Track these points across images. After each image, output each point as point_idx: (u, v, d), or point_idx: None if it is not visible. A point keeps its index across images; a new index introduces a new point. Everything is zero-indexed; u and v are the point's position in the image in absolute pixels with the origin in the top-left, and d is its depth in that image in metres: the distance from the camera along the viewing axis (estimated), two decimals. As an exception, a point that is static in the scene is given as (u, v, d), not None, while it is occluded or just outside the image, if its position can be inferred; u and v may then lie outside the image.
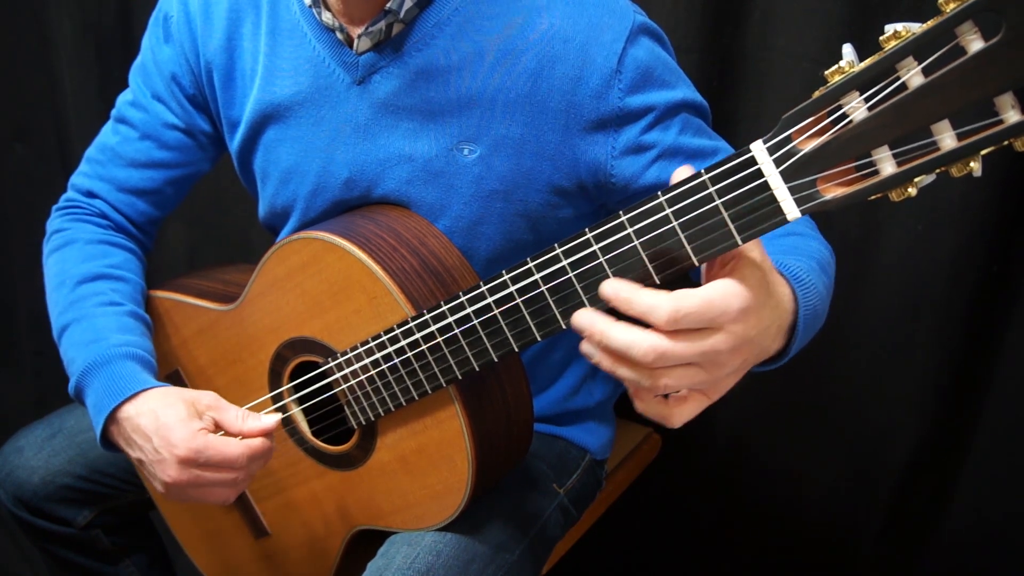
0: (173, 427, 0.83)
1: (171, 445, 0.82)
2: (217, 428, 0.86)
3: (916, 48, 0.53)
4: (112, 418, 0.88)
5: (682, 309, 0.58)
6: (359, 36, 0.89)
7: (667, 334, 0.59)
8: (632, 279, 0.66)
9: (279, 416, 0.87)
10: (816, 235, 0.86)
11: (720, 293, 0.59)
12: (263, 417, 0.86)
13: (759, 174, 0.59)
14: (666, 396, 0.64)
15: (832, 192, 0.58)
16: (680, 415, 0.64)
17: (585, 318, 0.63)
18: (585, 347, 0.64)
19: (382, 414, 0.88)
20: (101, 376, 0.89)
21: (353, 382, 0.88)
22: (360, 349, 0.86)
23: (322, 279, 0.88)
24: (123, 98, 1.07)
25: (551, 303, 0.71)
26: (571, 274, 0.69)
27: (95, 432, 0.89)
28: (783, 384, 1.36)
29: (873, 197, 0.57)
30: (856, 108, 0.55)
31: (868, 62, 0.54)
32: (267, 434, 0.85)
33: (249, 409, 0.88)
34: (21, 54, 1.86)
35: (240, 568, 1.12)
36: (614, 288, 0.62)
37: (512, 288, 0.73)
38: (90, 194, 1.07)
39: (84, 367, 0.90)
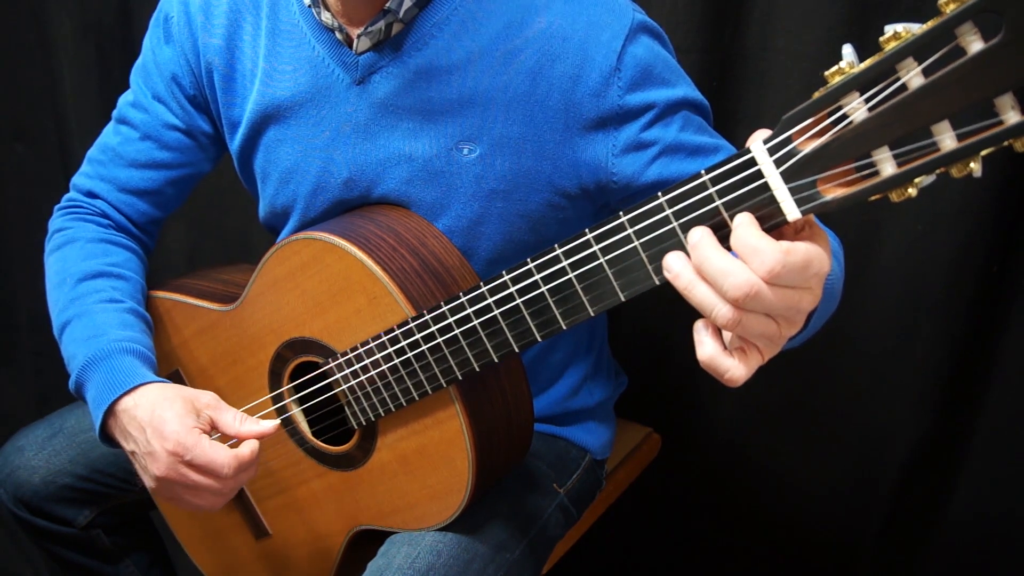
0: (168, 421, 0.83)
1: (162, 438, 0.83)
2: (213, 429, 0.86)
3: (916, 49, 0.53)
4: (111, 411, 0.88)
5: (788, 263, 0.57)
6: (358, 36, 0.89)
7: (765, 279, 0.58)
8: (632, 279, 0.66)
9: (277, 422, 0.87)
10: (822, 225, 0.86)
11: (816, 255, 0.58)
12: (261, 422, 0.86)
13: (759, 175, 0.59)
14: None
15: (832, 193, 0.58)
16: (747, 369, 0.62)
17: (695, 234, 0.60)
18: (672, 259, 0.62)
19: (382, 414, 0.88)
20: (101, 370, 0.89)
21: (353, 382, 0.88)
22: (360, 349, 0.86)
23: (322, 279, 0.88)
24: (124, 99, 1.07)
25: (551, 303, 0.71)
26: (571, 275, 0.69)
27: (94, 426, 0.89)
28: (783, 384, 1.36)
29: (873, 198, 0.57)
30: (856, 109, 0.55)
31: (868, 63, 0.54)
32: (263, 438, 0.86)
33: (249, 410, 0.88)
34: (21, 54, 1.85)
35: (240, 568, 1.12)
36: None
37: (512, 288, 0.73)
38: (91, 194, 1.07)
39: (84, 362, 0.90)
